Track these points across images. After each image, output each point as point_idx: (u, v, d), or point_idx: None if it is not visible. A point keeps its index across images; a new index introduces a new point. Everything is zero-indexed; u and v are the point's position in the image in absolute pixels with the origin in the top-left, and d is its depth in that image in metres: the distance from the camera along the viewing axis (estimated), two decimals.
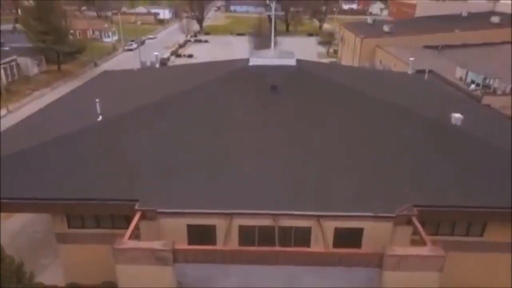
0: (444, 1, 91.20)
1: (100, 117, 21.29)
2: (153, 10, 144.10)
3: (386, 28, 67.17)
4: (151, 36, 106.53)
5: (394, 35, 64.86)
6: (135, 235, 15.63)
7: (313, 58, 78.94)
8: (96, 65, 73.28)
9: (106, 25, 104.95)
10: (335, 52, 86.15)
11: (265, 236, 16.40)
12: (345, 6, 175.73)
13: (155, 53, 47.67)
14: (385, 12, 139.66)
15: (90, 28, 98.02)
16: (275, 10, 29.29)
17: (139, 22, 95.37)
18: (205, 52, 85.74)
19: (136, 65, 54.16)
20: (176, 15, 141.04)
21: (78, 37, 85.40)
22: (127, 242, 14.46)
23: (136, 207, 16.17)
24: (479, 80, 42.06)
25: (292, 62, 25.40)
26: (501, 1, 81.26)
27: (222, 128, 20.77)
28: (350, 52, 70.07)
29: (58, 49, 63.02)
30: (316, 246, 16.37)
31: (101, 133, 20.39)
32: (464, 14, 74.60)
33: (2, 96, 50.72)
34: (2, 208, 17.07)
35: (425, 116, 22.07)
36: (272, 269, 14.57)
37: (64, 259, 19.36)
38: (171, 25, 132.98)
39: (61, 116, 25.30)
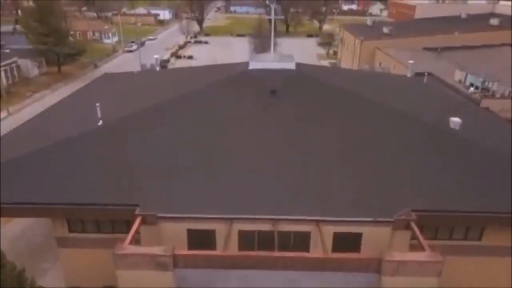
0: (443, 3, 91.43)
1: (101, 122, 21.38)
2: (153, 11, 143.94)
3: (385, 30, 67.37)
4: (151, 37, 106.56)
5: (394, 37, 65.01)
6: (135, 240, 15.71)
7: (313, 59, 79.07)
8: (96, 66, 73.25)
9: (106, 26, 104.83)
10: (335, 53, 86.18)
11: (265, 241, 16.53)
12: (345, 7, 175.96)
13: (155, 56, 47.85)
14: (385, 13, 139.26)
15: (90, 30, 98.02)
16: (275, 12, 29.34)
17: (139, 23, 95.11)
18: (205, 53, 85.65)
19: (136, 67, 54.37)
20: (176, 16, 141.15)
21: (78, 38, 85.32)
22: (127, 248, 14.53)
23: (137, 212, 16.27)
24: (478, 83, 42.16)
25: (291, 65, 25.49)
26: (500, 2, 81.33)
27: (222, 132, 20.87)
28: (350, 54, 70.15)
29: (58, 51, 62.94)
30: (315, 251, 16.48)
31: (101, 137, 20.49)
32: (464, 16, 74.78)
33: (3, 98, 50.75)
34: (3, 213, 17.15)
35: (424, 120, 22.18)
36: (271, 274, 14.66)
37: (64, 263, 19.48)
38: (171, 26, 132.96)
39: (62, 120, 25.41)
